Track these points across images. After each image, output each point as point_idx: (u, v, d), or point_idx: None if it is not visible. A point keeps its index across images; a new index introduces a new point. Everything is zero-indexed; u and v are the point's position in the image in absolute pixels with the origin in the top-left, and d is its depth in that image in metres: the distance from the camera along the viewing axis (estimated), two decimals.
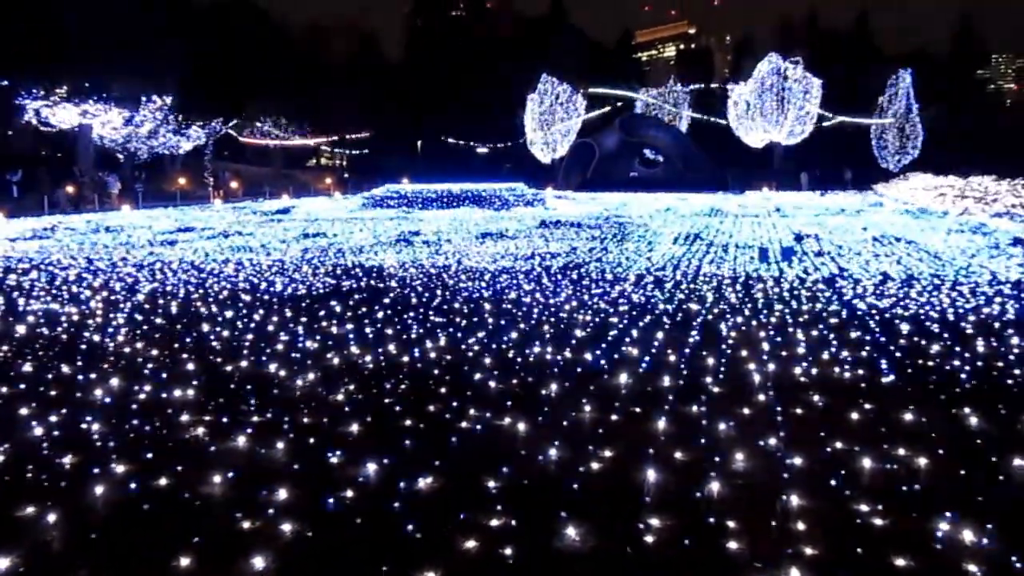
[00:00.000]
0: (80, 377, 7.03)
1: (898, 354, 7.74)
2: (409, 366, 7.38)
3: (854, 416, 5.79)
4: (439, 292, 11.81)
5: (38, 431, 5.54)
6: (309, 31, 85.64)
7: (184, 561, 3.70)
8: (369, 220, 28.47)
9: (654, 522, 4.09)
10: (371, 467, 4.82)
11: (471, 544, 3.86)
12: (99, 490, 4.51)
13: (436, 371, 7.19)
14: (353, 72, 78.54)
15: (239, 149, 68.04)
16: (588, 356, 7.68)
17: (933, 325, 9.14)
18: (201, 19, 58.93)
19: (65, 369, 7.32)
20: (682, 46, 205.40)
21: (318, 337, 8.66)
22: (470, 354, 7.83)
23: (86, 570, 3.68)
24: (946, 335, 8.56)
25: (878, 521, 4.10)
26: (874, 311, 10.06)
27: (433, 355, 7.79)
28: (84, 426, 5.65)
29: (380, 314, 10.07)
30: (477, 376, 6.97)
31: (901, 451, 5.07)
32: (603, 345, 8.20)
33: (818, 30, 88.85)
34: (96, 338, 8.70)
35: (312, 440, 5.36)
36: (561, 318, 9.75)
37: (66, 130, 44.30)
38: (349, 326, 9.27)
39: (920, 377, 6.92)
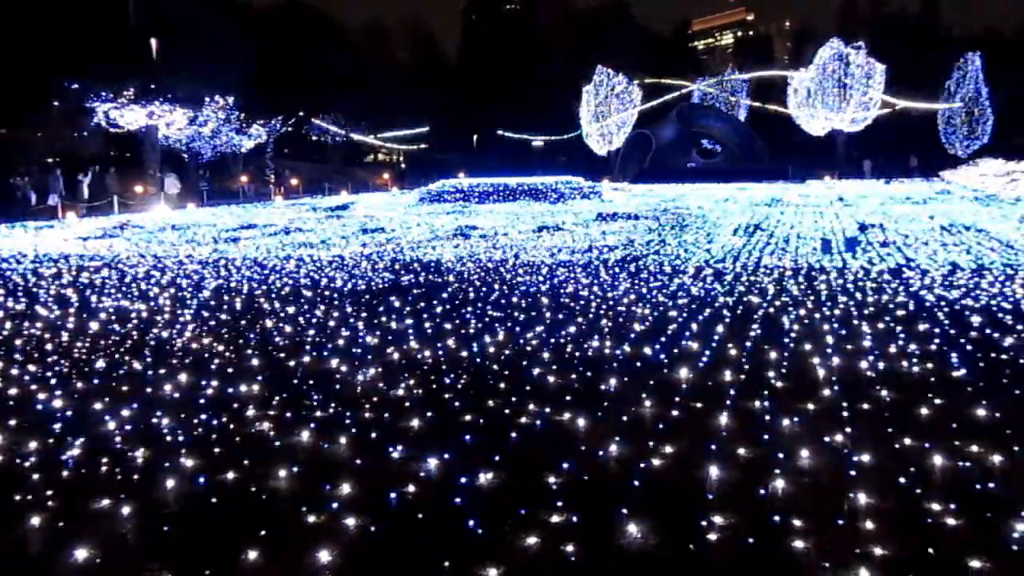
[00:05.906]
0: (149, 373, 7.24)
1: (969, 347, 7.51)
2: (468, 361, 7.42)
3: (923, 412, 5.64)
4: (496, 287, 11.84)
5: (111, 425, 5.71)
6: (367, 31, 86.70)
7: (251, 554, 3.78)
8: (426, 215, 28.67)
9: (717, 520, 4.04)
10: (432, 462, 4.86)
11: (532, 540, 3.86)
12: (169, 484, 4.64)
13: (495, 366, 7.21)
14: (410, 69, 79.21)
15: (299, 147, 69.17)
16: (647, 350, 7.62)
17: (1006, 317, 8.84)
18: (262, 21, 60.07)
19: (136, 365, 7.54)
20: (740, 33, 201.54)
21: (378, 332, 8.76)
22: (528, 348, 7.84)
23: (157, 562, 3.79)
24: (1020, 327, 8.27)
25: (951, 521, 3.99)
26: (943, 303, 9.78)
27: (492, 350, 7.81)
28: (154, 420, 5.81)
29: (439, 309, 10.14)
30: (536, 371, 6.97)
31: (973, 448, 4.91)
32: (662, 339, 8.12)
33: (882, 13, 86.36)
34: (164, 334, 8.93)
35: (374, 435, 5.43)
36: (619, 312, 9.69)
37: (134, 131, 45.51)
38: (408, 321, 9.35)
39: (993, 371, 6.70)
